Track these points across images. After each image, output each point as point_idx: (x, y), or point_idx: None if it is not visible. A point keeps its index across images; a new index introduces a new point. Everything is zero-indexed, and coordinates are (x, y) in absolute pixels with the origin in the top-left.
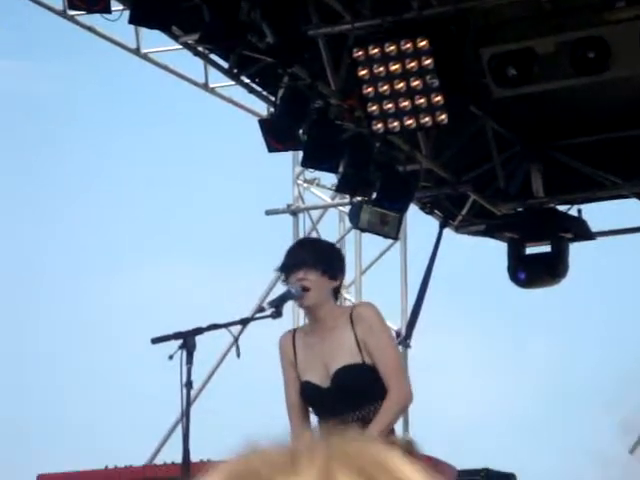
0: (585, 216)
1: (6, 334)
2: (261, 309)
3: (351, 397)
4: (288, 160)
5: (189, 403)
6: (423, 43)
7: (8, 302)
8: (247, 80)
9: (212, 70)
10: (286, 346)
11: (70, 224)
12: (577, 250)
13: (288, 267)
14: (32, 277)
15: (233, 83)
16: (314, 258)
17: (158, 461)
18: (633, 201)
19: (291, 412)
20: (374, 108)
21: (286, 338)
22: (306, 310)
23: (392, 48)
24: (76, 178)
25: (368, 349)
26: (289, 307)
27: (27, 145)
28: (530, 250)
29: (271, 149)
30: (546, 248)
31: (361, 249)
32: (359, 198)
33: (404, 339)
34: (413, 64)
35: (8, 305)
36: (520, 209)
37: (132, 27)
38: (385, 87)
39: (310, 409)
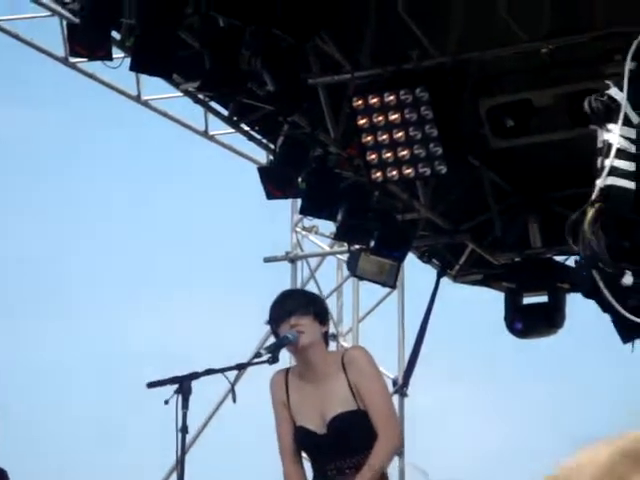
0: None
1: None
2: (258, 355)
3: (347, 444)
4: (287, 208)
5: (184, 449)
6: (422, 93)
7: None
8: (247, 128)
9: (212, 117)
10: (278, 386)
11: (67, 265)
12: (574, 300)
13: (279, 315)
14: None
15: (233, 131)
16: (304, 304)
17: None
18: None
19: (284, 454)
20: (373, 157)
21: (278, 377)
22: (300, 355)
23: (391, 98)
24: (76, 223)
25: (360, 393)
26: (286, 353)
27: (26, 190)
28: (527, 300)
29: (270, 196)
30: (543, 298)
31: (359, 297)
32: (357, 246)
33: (401, 387)
34: (412, 114)
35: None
36: (517, 259)
37: (133, 74)
38: (384, 136)
39: (304, 454)
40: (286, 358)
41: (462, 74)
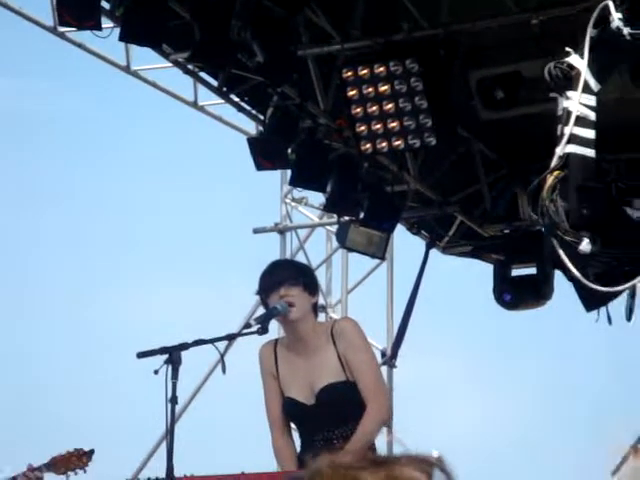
0: None
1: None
2: (247, 325)
3: (335, 415)
4: (276, 179)
5: (174, 419)
6: (412, 65)
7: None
8: (236, 99)
9: (201, 88)
10: (267, 357)
11: (55, 239)
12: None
13: (269, 286)
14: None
15: (222, 101)
16: (294, 274)
17: (143, 476)
18: None
19: (272, 425)
20: (362, 128)
21: (267, 348)
22: (289, 326)
23: (381, 69)
24: (59, 195)
25: (349, 365)
26: (275, 324)
27: (15, 160)
28: (516, 272)
29: (259, 168)
30: (532, 270)
31: (348, 268)
32: (346, 218)
33: (389, 359)
34: (402, 85)
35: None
36: (507, 231)
37: (122, 44)
38: (374, 108)
39: (292, 425)
40: (275, 329)
41: (453, 46)
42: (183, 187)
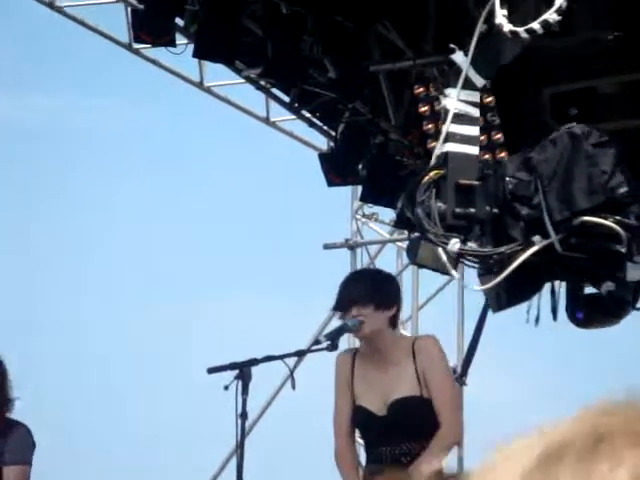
0: None
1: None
2: (317, 342)
3: (405, 429)
4: (347, 195)
5: (244, 434)
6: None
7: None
8: (308, 114)
9: (273, 104)
10: (344, 365)
11: (130, 246)
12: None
13: (341, 305)
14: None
15: (294, 117)
16: (365, 293)
17: None
18: None
19: (338, 431)
20: (434, 145)
21: (345, 357)
22: (364, 340)
23: None
24: (133, 205)
25: (427, 382)
26: (345, 340)
27: (92, 175)
28: (589, 290)
29: (330, 183)
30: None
31: (418, 285)
32: (417, 234)
33: (460, 377)
34: None
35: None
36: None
37: (196, 60)
38: None
39: (359, 434)
40: (345, 343)
41: (525, 62)
42: (255, 202)
